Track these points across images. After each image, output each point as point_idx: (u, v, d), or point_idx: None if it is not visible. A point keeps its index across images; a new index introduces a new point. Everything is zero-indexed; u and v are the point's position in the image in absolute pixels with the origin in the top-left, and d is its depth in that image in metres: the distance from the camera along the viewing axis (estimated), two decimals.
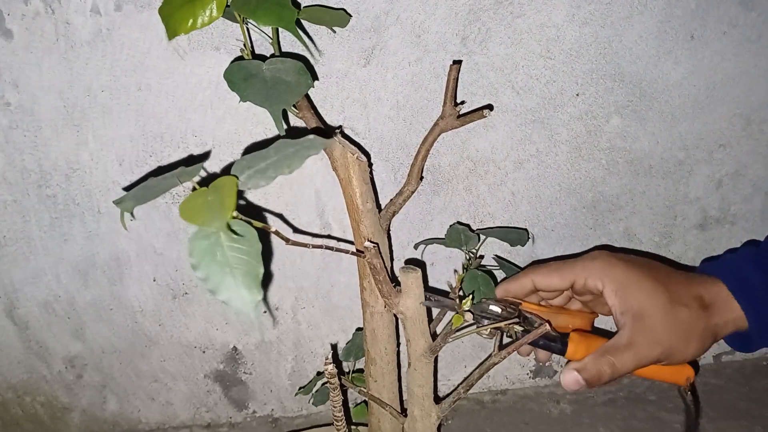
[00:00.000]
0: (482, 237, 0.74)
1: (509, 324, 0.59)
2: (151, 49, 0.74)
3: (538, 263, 0.71)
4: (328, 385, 0.57)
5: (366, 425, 0.75)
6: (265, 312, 0.91)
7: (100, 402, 0.93)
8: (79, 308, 0.87)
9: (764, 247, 0.73)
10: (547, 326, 0.57)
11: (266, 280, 0.86)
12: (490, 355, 0.60)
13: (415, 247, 0.84)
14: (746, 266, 0.68)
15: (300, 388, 0.80)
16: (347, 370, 0.78)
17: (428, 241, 0.80)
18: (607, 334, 0.65)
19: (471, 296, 0.55)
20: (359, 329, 0.71)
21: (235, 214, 0.39)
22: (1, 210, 0.80)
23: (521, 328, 0.60)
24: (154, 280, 0.87)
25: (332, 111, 0.80)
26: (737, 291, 0.65)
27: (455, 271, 0.66)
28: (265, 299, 0.89)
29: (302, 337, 0.94)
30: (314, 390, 0.80)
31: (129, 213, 0.41)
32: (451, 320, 0.57)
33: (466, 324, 0.56)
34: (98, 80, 0.75)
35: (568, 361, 0.64)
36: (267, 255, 0.84)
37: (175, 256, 0.85)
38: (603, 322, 0.78)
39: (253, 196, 0.83)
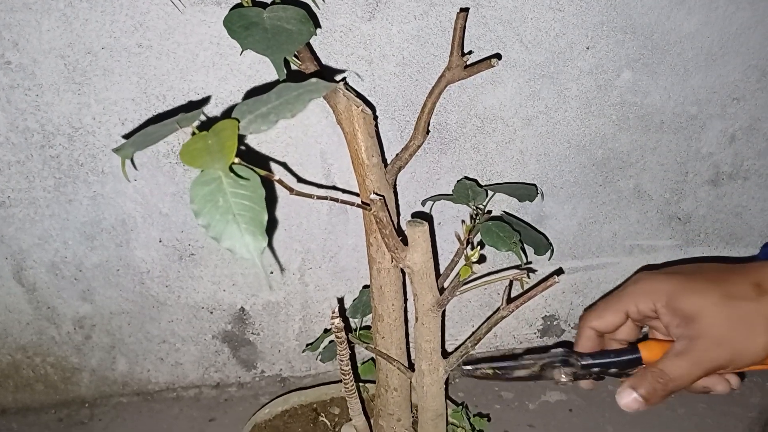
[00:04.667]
0: (490, 192, 0.73)
1: (518, 276, 0.58)
2: (151, 7, 0.73)
3: (586, 309, 0.67)
4: (335, 339, 0.56)
5: (374, 382, 0.75)
6: (272, 272, 0.90)
7: (109, 363, 0.94)
8: (86, 270, 0.87)
9: None
10: (557, 278, 0.56)
11: (271, 228, 0.85)
12: (498, 309, 0.59)
13: (423, 203, 0.83)
14: None
15: (307, 345, 0.80)
16: (354, 327, 0.78)
17: (436, 197, 0.79)
18: None
19: (479, 247, 0.54)
20: (366, 287, 0.70)
21: (237, 160, 0.38)
22: (6, 171, 0.79)
23: (527, 280, 0.59)
24: (160, 242, 0.86)
25: (336, 68, 0.78)
26: None
27: (462, 221, 0.65)
28: (272, 251, 0.88)
29: (309, 298, 0.93)
30: (321, 347, 0.80)
31: (130, 161, 0.40)
32: (458, 273, 0.56)
33: (473, 276, 0.55)
34: (98, 40, 0.74)
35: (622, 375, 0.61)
36: (271, 203, 0.84)
37: (180, 217, 0.85)
38: None
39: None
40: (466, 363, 0.63)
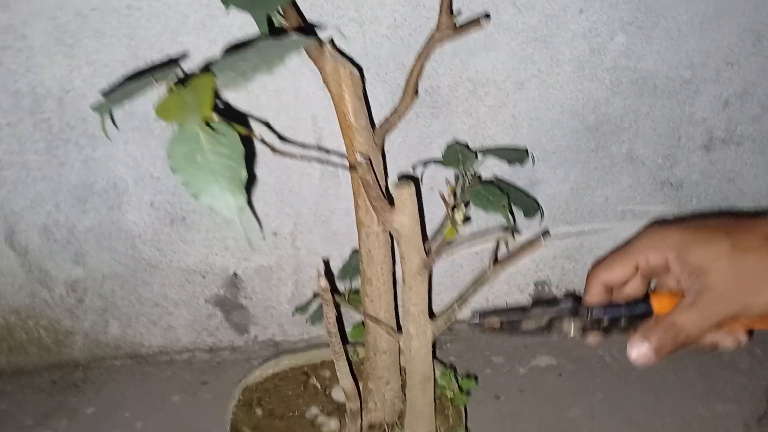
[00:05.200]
0: (480, 155, 0.73)
1: (503, 237, 0.58)
2: None
3: (595, 263, 0.66)
4: (320, 299, 0.57)
5: (363, 345, 0.75)
6: (265, 238, 0.90)
7: (102, 326, 0.94)
8: (79, 234, 0.87)
9: None
10: (543, 240, 0.56)
11: (251, 186, 0.85)
12: (484, 271, 0.59)
13: (414, 167, 0.83)
14: None
15: (297, 308, 0.80)
16: (344, 291, 0.79)
17: (427, 162, 0.78)
18: None
19: (464, 206, 0.54)
20: (356, 251, 0.70)
21: (216, 117, 0.38)
22: None
23: (512, 240, 0.58)
24: (152, 205, 0.86)
25: (327, 32, 0.78)
26: None
27: (447, 181, 0.65)
28: (252, 209, 0.88)
29: (301, 262, 0.94)
30: (311, 310, 0.81)
31: (111, 121, 0.39)
32: (443, 233, 0.57)
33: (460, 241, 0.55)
34: (88, 1, 0.73)
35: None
36: (251, 161, 0.83)
37: (172, 181, 0.85)
38: None
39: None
40: (473, 315, 0.61)
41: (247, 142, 0.39)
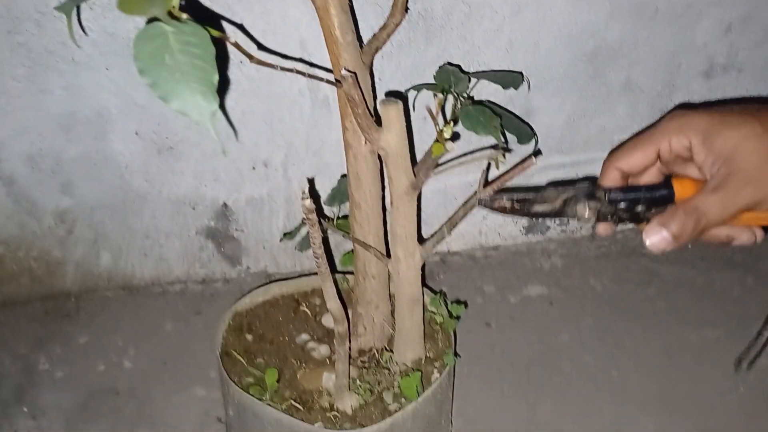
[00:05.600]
0: (473, 79, 0.71)
1: (493, 156, 0.56)
2: None
3: (614, 149, 0.59)
4: (305, 221, 0.56)
5: (353, 273, 0.75)
6: (254, 168, 0.89)
7: (93, 257, 0.94)
8: (65, 163, 0.86)
9: None
10: (534, 159, 0.54)
11: (223, 90, 0.83)
12: (475, 193, 0.58)
13: (406, 92, 0.81)
14: None
15: (285, 234, 0.80)
16: (332, 216, 0.78)
17: (418, 87, 0.76)
18: None
19: (452, 122, 0.52)
20: (345, 175, 0.69)
21: (185, 17, 0.36)
22: None
23: (503, 160, 0.56)
24: (137, 134, 0.84)
25: None
26: None
27: (435, 95, 0.63)
28: (227, 117, 0.85)
29: (293, 194, 0.93)
30: (300, 237, 0.80)
31: (77, 22, 0.37)
32: (430, 150, 0.55)
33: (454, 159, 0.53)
34: None
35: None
36: (223, 65, 0.81)
37: (157, 109, 0.83)
38: None
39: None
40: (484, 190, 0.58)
41: (220, 46, 0.37)
